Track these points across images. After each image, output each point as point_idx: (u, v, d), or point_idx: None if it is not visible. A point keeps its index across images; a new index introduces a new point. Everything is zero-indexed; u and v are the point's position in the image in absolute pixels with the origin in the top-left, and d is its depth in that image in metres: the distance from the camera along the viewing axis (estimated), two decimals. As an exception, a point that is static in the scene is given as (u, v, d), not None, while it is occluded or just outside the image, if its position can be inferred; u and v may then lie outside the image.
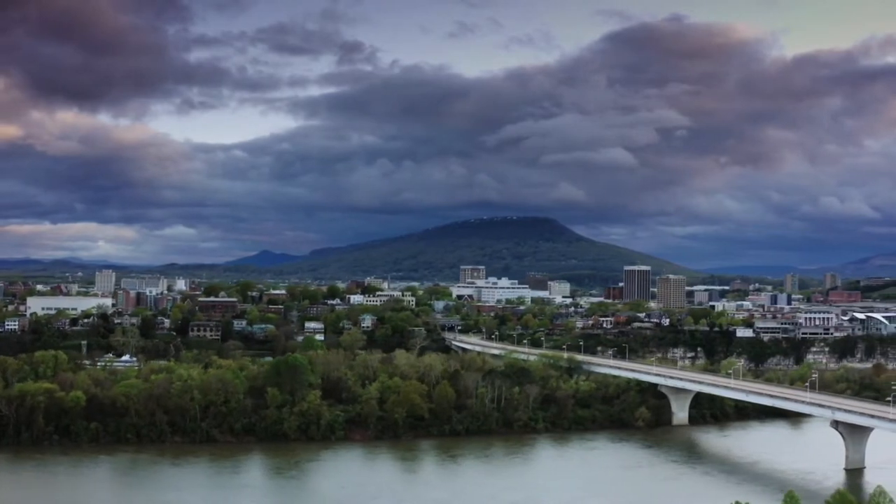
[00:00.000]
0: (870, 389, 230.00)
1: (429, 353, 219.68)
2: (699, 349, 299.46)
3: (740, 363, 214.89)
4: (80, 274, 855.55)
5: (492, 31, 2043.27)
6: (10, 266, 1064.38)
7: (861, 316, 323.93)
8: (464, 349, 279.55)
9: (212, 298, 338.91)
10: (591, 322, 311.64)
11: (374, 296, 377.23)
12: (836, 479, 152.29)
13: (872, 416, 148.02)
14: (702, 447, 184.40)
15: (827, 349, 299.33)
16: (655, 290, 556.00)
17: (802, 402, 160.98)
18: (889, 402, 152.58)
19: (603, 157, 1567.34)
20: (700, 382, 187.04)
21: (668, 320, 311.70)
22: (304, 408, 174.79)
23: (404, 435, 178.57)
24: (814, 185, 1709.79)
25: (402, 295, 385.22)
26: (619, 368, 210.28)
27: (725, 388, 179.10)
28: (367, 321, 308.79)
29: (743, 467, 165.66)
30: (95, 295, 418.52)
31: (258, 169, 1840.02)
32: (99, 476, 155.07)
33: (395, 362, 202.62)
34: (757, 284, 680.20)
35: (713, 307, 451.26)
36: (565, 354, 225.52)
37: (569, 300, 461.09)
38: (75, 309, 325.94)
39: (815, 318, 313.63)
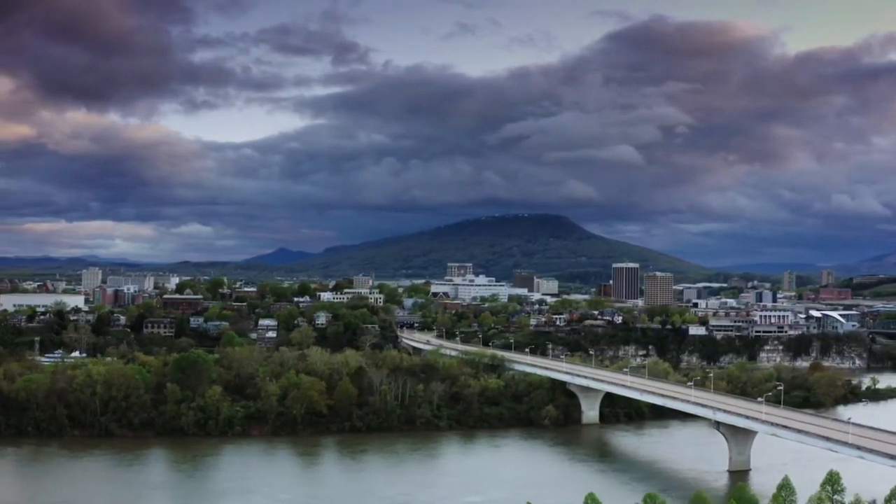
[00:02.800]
0: (801, 389, 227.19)
1: (348, 350, 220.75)
2: (651, 347, 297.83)
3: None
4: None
5: (491, 31, 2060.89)
6: (28, 264, 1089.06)
7: (817, 314, 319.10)
8: (414, 347, 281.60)
9: (175, 296, 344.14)
10: (544, 320, 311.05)
11: (341, 293, 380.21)
12: (723, 480, 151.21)
13: (748, 418, 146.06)
14: (605, 446, 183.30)
15: (781, 347, 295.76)
16: (643, 287, 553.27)
17: (687, 401, 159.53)
18: (761, 401, 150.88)
19: (609, 154, 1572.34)
20: (601, 380, 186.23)
21: (620, 318, 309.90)
22: (201, 403, 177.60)
23: (303, 431, 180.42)
24: (824, 182, 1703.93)
25: (370, 292, 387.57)
26: (534, 366, 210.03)
27: (622, 386, 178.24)
28: (322, 318, 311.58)
29: (640, 466, 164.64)
30: (78, 293, 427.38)
31: (269, 167, 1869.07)
32: (3, 468, 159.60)
33: (309, 359, 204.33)
34: (756, 281, 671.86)
35: (696, 304, 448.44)
36: (489, 351, 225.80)
37: (547, 297, 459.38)
38: (44, 306, 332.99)
39: (770, 317, 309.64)
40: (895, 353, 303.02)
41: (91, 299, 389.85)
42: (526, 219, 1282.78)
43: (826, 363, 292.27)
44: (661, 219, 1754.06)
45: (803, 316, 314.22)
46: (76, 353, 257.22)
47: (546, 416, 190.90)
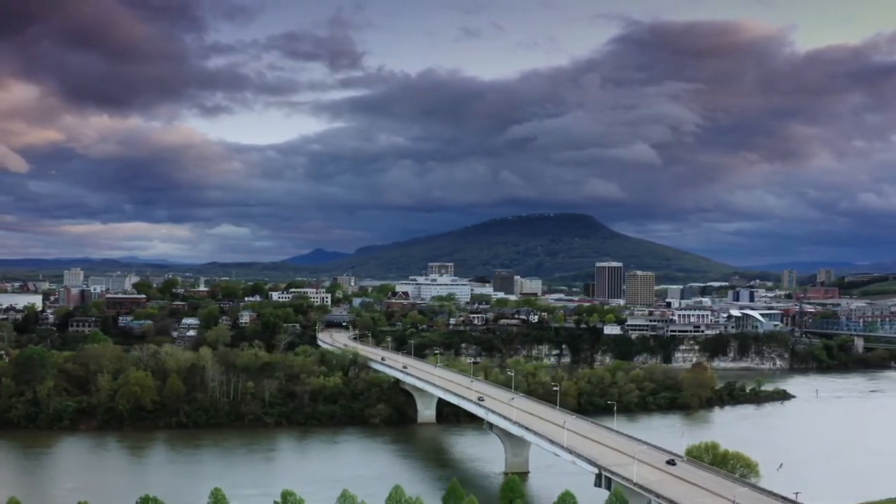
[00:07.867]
0: (671, 390, 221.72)
1: (202, 349, 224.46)
2: (564, 347, 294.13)
3: (549, 360, 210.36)
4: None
5: (496, 35, 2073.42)
6: (65, 265, 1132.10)
7: (737, 314, 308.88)
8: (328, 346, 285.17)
9: (119, 295, 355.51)
10: (461, 319, 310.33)
11: (287, 292, 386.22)
12: (497, 481, 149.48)
13: (505, 419, 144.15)
14: (428, 445, 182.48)
15: (697, 348, 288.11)
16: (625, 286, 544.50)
17: (471, 401, 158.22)
18: (513, 398, 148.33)
19: (625, 153, 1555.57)
20: (423, 379, 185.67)
21: (535, 317, 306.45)
22: (29, 397, 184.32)
23: (129, 426, 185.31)
24: (848, 181, 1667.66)
25: (316, 291, 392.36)
26: (383, 364, 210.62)
27: (433, 385, 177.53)
28: (246, 317, 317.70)
29: (449, 463, 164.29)
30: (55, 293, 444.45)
31: (294, 169, 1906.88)
32: None
33: (162, 356, 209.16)
34: (757, 280, 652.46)
35: (669, 304, 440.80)
36: (351, 350, 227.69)
37: (512, 297, 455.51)
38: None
39: (688, 316, 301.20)
40: (819, 353, 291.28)
41: (58, 299, 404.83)
42: (551, 218, 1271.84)
43: (745, 363, 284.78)
44: (690, 217, 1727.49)
45: (724, 315, 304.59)
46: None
47: (377, 414, 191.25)
